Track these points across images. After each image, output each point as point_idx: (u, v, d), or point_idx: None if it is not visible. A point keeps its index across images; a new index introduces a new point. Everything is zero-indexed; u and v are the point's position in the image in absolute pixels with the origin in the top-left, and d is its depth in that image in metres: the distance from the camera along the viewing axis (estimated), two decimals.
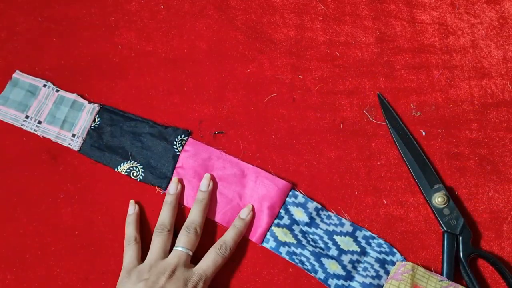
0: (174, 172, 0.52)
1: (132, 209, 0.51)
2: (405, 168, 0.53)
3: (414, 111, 0.55)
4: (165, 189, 0.52)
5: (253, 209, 0.51)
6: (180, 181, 0.51)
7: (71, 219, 0.52)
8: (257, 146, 0.54)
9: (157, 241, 0.48)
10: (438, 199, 0.48)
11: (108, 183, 0.53)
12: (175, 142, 0.53)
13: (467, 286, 0.45)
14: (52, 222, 0.52)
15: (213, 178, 0.52)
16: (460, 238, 0.46)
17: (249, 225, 0.51)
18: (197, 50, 0.57)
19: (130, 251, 0.48)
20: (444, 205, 0.49)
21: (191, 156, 0.53)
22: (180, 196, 0.52)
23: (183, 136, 0.53)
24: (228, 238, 0.49)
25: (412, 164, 0.51)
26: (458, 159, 0.54)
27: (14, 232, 0.52)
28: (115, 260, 0.51)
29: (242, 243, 0.51)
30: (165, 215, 0.49)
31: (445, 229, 0.47)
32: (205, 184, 0.51)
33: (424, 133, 0.55)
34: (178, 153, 0.53)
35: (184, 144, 0.53)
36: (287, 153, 0.54)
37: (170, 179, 0.52)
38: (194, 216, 0.49)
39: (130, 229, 0.49)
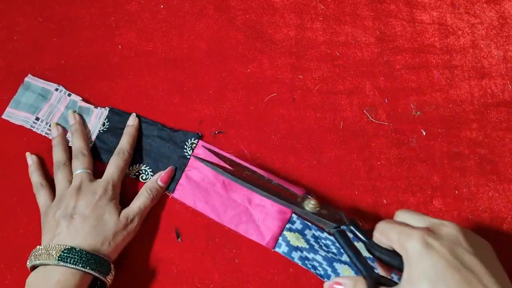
0: (183, 175, 0.52)
1: (30, 160, 0.53)
2: (405, 168, 0.53)
3: (414, 111, 0.55)
4: (173, 192, 0.52)
5: (137, 116, 0.53)
6: (58, 124, 0.53)
7: None
8: (257, 146, 0.54)
9: (58, 177, 0.50)
10: (310, 205, 0.44)
11: None
12: (185, 146, 0.53)
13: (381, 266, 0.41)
14: None
15: (222, 181, 0.52)
16: (351, 227, 0.43)
17: (259, 229, 0.51)
18: (197, 50, 0.57)
19: (41, 196, 0.50)
20: (319, 207, 0.44)
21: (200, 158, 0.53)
22: (188, 197, 0.52)
23: (193, 139, 0.53)
24: (123, 145, 0.52)
25: (268, 196, 0.45)
26: (458, 159, 0.54)
27: (14, 232, 0.52)
28: (114, 260, 0.51)
29: (243, 243, 0.51)
30: (56, 153, 0.52)
31: (334, 225, 0.43)
32: (71, 118, 0.54)
33: (424, 133, 0.55)
34: (188, 156, 0.53)
35: (195, 147, 0.53)
36: (287, 153, 0.54)
37: (178, 181, 0.52)
38: (76, 143, 0.52)
39: (35, 177, 0.51)
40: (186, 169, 0.52)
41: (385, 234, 0.38)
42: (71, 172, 0.51)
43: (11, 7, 0.58)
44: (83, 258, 0.44)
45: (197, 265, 0.51)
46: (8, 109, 0.54)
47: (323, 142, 0.54)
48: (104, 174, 0.50)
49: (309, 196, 0.46)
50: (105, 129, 0.54)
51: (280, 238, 0.50)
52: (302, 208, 0.44)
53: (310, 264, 0.49)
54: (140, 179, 0.53)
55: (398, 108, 0.55)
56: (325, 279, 0.49)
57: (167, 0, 0.59)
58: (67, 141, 0.53)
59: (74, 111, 0.54)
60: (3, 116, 0.54)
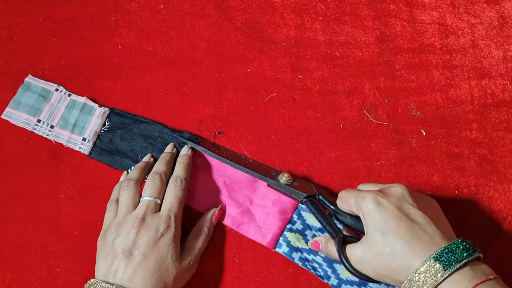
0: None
1: (123, 177, 0.52)
2: (405, 168, 0.53)
3: (414, 111, 0.55)
4: None
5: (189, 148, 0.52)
6: (152, 156, 0.53)
7: (71, 219, 0.52)
8: (257, 146, 0.54)
9: (124, 194, 0.47)
10: (284, 178, 0.49)
11: (108, 183, 0.53)
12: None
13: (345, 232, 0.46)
14: (52, 222, 0.52)
15: (223, 182, 0.52)
16: (320, 196, 0.48)
17: (260, 230, 0.51)
18: (197, 50, 0.57)
19: (110, 212, 0.48)
20: (291, 180, 0.49)
21: (203, 160, 0.53)
22: (189, 197, 0.52)
23: (194, 139, 0.53)
24: (179, 173, 0.49)
25: (247, 171, 0.50)
26: (458, 159, 0.54)
27: (14, 232, 0.52)
28: None
29: (243, 243, 0.51)
30: (133, 172, 0.50)
31: (305, 195, 0.48)
32: (169, 148, 0.53)
33: (424, 133, 0.55)
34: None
35: (194, 151, 0.53)
36: (287, 153, 0.54)
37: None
38: (158, 166, 0.49)
39: (115, 192, 0.50)
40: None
41: (345, 200, 0.44)
42: (138, 195, 0.48)
43: (11, 7, 0.58)
44: None
45: (197, 265, 0.51)
46: (7, 109, 0.54)
47: (323, 142, 0.54)
48: (163, 206, 0.47)
49: (282, 171, 0.51)
50: (106, 129, 0.54)
51: (281, 238, 0.50)
52: (277, 180, 0.49)
53: (310, 265, 0.49)
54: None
55: (398, 108, 0.55)
56: (325, 280, 0.49)
57: (167, 0, 0.59)
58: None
59: (190, 147, 0.52)
60: (2, 116, 0.54)
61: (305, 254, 0.50)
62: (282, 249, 0.50)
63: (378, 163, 0.54)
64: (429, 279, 0.37)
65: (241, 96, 0.56)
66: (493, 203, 0.53)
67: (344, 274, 0.49)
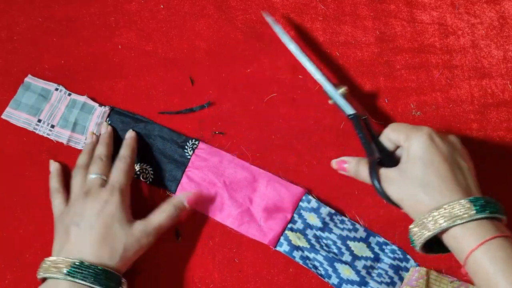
0: (184, 175, 0.52)
1: (53, 167, 0.52)
2: None
3: (414, 111, 0.55)
4: (175, 191, 0.52)
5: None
6: (94, 133, 0.53)
7: None
8: (257, 146, 0.54)
9: (74, 180, 0.49)
10: (341, 90, 0.49)
11: None
12: (186, 146, 0.53)
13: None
14: (52, 222, 0.52)
15: (223, 182, 0.52)
16: (366, 118, 0.48)
17: (261, 229, 0.51)
18: (197, 50, 0.57)
19: (55, 201, 0.49)
20: (346, 91, 0.49)
21: (202, 160, 0.53)
22: (192, 201, 0.51)
23: (194, 140, 0.53)
24: (122, 152, 0.51)
25: (316, 69, 0.51)
26: None
27: (14, 232, 0.52)
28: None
29: (243, 243, 0.51)
30: (80, 159, 0.51)
31: (353, 112, 0.48)
32: (104, 128, 0.53)
33: None
34: (189, 156, 0.53)
35: (196, 148, 0.53)
36: (287, 153, 0.54)
37: (179, 182, 0.52)
38: (98, 149, 0.51)
39: (53, 182, 0.51)
40: (186, 169, 0.52)
41: (396, 128, 0.45)
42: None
43: (11, 7, 0.58)
44: (92, 273, 0.42)
45: (197, 265, 0.51)
46: (8, 109, 0.54)
47: (323, 142, 0.54)
48: (109, 180, 0.48)
49: (342, 87, 0.50)
50: None
51: (282, 237, 0.50)
52: (336, 88, 0.49)
53: (311, 264, 0.49)
54: (141, 178, 0.53)
55: (398, 108, 0.55)
56: (326, 279, 0.49)
57: (167, 0, 0.59)
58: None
59: (109, 123, 0.54)
60: (2, 116, 0.54)
61: (306, 253, 0.50)
62: (283, 248, 0.50)
63: None
64: (456, 215, 0.38)
65: (241, 96, 0.56)
66: None
67: (345, 273, 0.49)
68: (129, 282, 0.47)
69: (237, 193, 0.52)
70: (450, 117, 0.55)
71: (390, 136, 0.45)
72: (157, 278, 0.50)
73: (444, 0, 0.59)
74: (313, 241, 0.50)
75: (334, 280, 0.49)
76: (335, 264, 0.49)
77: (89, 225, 0.45)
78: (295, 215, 0.51)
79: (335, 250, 0.50)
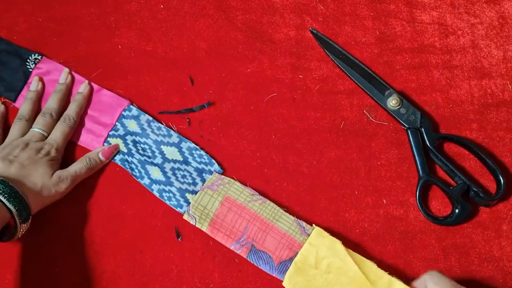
0: (25, 86, 0.55)
1: (35, 86, 0.55)
2: (405, 168, 0.53)
3: None
4: (14, 101, 0.55)
5: (89, 83, 0.55)
6: (41, 80, 0.55)
7: (71, 219, 0.52)
8: (257, 146, 0.54)
9: (14, 128, 0.52)
10: (392, 102, 0.51)
11: (108, 182, 0.53)
12: (28, 60, 0.56)
13: (440, 171, 0.48)
14: (52, 221, 0.52)
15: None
16: (422, 129, 0.50)
17: (89, 137, 0.54)
18: (197, 50, 0.57)
19: (11, 128, 0.52)
20: (398, 106, 0.51)
21: (43, 73, 0.56)
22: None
23: (37, 55, 0.56)
24: (70, 112, 0.53)
25: (358, 79, 0.54)
26: (458, 159, 0.54)
27: None
28: (115, 260, 0.51)
29: None
30: (23, 107, 0.53)
31: (406, 126, 0.50)
32: (63, 77, 0.55)
33: None
34: (30, 69, 0.56)
35: (38, 62, 0.56)
36: (287, 153, 0.54)
37: (19, 92, 0.55)
38: (51, 104, 0.53)
39: (26, 105, 0.53)
40: (28, 81, 0.55)
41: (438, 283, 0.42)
42: (28, 129, 0.52)
43: (11, 7, 0.58)
44: (11, 193, 0.45)
45: (197, 265, 0.51)
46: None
47: (323, 142, 0.54)
48: (49, 137, 0.52)
49: (394, 93, 0.52)
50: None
51: (105, 143, 0.54)
52: (385, 103, 0.52)
53: (128, 166, 0.53)
54: None
55: None
56: (139, 179, 0.52)
57: (167, 0, 0.59)
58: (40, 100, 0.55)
59: (70, 72, 0.55)
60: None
61: (126, 156, 0.54)
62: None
63: (378, 163, 0.54)
64: None
65: (241, 96, 0.56)
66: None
67: (154, 174, 0.52)
68: (129, 282, 0.47)
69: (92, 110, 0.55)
70: (450, 117, 0.55)
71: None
72: (157, 278, 0.50)
73: (444, 0, 0.59)
74: (131, 145, 0.54)
75: (145, 180, 0.52)
76: (147, 166, 0.53)
77: (19, 164, 0.48)
78: (117, 123, 0.54)
79: (149, 154, 0.53)
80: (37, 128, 0.52)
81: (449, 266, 0.50)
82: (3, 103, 0.55)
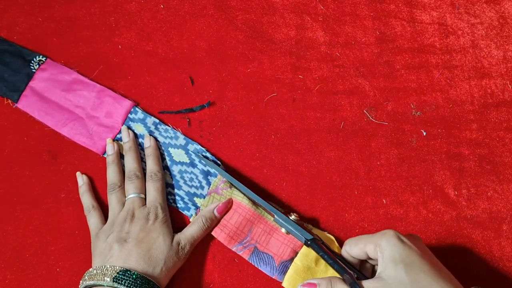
0: (27, 87, 0.55)
1: (81, 180, 0.53)
2: (405, 168, 0.53)
3: (414, 111, 0.55)
4: (16, 102, 0.55)
5: (150, 137, 0.54)
6: (115, 141, 0.54)
7: (71, 219, 0.52)
8: (257, 146, 0.54)
9: (112, 199, 0.51)
10: (294, 216, 0.49)
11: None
12: (32, 62, 0.56)
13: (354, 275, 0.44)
14: (52, 222, 0.52)
15: (61, 95, 0.55)
16: (323, 243, 0.47)
17: (91, 138, 0.54)
18: (197, 50, 0.57)
19: (92, 218, 0.50)
20: (298, 217, 0.49)
21: (47, 74, 0.56)
22: (31, 108, 0.54)
23: (41, 57, 0.56)
24: (152, 167, 0.52)
25: (258, 199, 0.49)
26: (458, 159, 0.54)
27: (14, 232, 0.52)
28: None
29: None
30: (111, 174, 0.52)
31: (311, 237, 0.47)
32: (125, 135, 0.54)
33: (424, 133, 0.55)
34: (34, 70, 0.55)
35: (42, 64, 0.56)
36: (287, 153, 0.54)
37: (22, 93, 0.55)
38: (129, 165, 0.52)
39: (86, 198, 0.52)
40: (30, 82, 0.55)
41: (356, 243, 0.44)
42: (124, 195, 0.51)
43: (11, 7, 0.58)
44: (138, 282, 0.43)
45: (197, 265, 0.51)
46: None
47: (323, 142, 0.54)
48: (148, 199, 0.50)
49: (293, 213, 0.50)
50: None
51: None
52: (287, 216, 0.49)
53: None
54: None
55: (398, 108, 0.55)
56: None
57: (167, 0, 0.59)
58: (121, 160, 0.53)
59: (129, 128, 0.54)
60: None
61: None
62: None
63: (378, 163, 0.54)
64: None
65: (241, 96, 0.56)
66: (493, 203, 0.53)
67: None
68: None
69: (76, 106, 0.55)
70: (450, 117, 0.55)
71: (353, 252, 0.44)
72: None
73: (444, 0, 0.59)
74: (138, 149, 0.54)
75: None
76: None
77: (136, 240, 0.46)
78: (124, 127, 0.54)
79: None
80: (132, 194, 0.50)
81: (449, 266, 0.50)
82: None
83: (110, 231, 0.48)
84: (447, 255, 0.51)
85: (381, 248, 0.41)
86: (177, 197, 0.52)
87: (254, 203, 0.50)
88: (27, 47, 0.57)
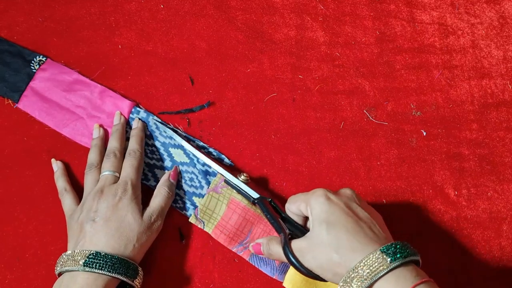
0: (28, 87, 0.55)
1: (56, 166, 0.53)
2: (405, 168, 0.53)
3: (414, 111, 0.55)
4: (17, 102, 0.55)
5: (140, 121, 0.54)
6: (101, 126, 0.54)
7: None
8: (257, 146, 0.54)
9: (87, 179, 0.50)
10: (243, 177, 0.50)
11: None
12: (32, 62, 0.56)
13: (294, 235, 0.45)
14: (52, 222, 0.52)
15: (62, 95, 0.55)
16: (271, 201, 0.49)
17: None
18: (197, 50, 0.57)
19: (66, 200, 0.50)
20: (248, 179, 0.50)
21: (47, 74, 0.56)
22: (31, 108, 0.54)
23: (41, 57, 0.56)
24: (133, 146, 0.52)
25: (206, 159, 0.52)
26: (458, 159, 0.54)
27: (14, 232, 0.52)
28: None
29: None
30: (91, 155, 0.52)
31: (258, 196, 0.49)
32: (117, 118, 0.54)
33: (424, 133, 0.55)
34: (34, 70, 0.55)
35: (42, 64, 0.56)
36: (287, 153, 0.54)
37: (22, 93, 0.55)
38: (111, 144, 0.52)
39: (60, 182, 0.52)
40: (31, 82, 0.55)
41: (294, 201, 0.45)
42: (99, 174, 0.51)
43: (11, 7, 0.58)
44: (109, 263, 0.43)
45: (197, 265, 0.51)
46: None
47: (323, 142, 0.54)
48: (121, 176, 0.50)
49: (241, 171, 0.52)
50: None
51: None
52: (236, 177, 0.50)
53: None
54: None
55: (398, 108, 0.55)
56: (146, 182, 0.52)
57: (167, 0, 0.59)
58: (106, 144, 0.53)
59: (121, 114, 0.54)
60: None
61: None
62: None
63: (378, 163, 0.54)
64: (375, 269, 0.37)
65: (241, 96, 0.56)
66: (493, 203, 0.53)
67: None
68: None
69: (77, 106, 0.55)
70: (450, 117, 0.55)
71: (291, 209, 0.46)
72: (157, 278, 0.50)
73: (444, 0, 0.59)
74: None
75: (152, 183, 0.52)
76: (155, 170, 0.53)
77: (103, 220, 0.46)
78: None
79: (158, 156, 0.54)
80: (106, 172, 0.50)
81: (449, 267, 0.50)
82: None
83: (81, 211, 0.48)
84: (447, 255, 0.51)
85: (310, 207, 0.43)
86: (176, 197, 0.52)
87: (252, 203, 0.50)
88: (27, 47, 0.57)
